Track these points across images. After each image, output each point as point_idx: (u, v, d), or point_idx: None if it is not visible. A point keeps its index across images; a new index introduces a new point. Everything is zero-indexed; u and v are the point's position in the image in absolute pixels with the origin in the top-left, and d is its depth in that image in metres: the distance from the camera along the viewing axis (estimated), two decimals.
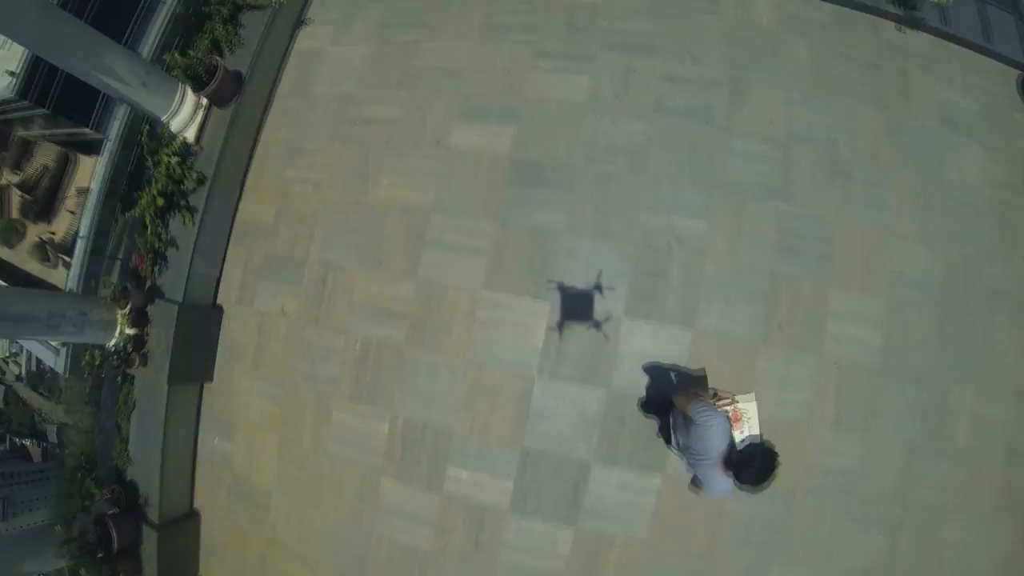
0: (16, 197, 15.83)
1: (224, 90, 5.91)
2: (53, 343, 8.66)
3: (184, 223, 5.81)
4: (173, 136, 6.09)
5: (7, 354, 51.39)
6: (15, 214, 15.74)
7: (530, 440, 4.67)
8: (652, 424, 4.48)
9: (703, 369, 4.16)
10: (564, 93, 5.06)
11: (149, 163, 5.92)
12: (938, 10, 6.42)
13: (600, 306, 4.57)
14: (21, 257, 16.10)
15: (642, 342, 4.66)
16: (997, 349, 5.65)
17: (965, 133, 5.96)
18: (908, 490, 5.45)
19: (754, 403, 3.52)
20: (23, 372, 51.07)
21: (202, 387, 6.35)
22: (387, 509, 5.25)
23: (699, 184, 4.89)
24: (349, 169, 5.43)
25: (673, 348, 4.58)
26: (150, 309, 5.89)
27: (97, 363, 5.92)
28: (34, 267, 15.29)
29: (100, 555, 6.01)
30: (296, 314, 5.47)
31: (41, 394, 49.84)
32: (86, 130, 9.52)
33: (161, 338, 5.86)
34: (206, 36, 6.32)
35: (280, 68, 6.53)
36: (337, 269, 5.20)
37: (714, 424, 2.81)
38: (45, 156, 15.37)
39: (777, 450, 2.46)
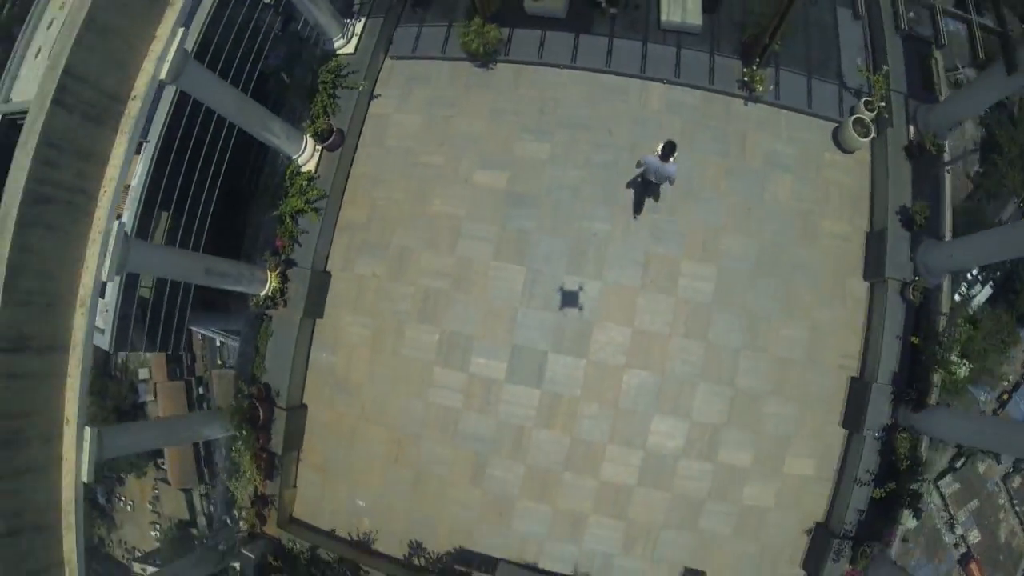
0: None
1: (335, 143, 11.86)
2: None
3: (311, 220, 11.77)
4: (299, 168, 12.05)
5: None
6: None
7: (516, 339, 10.68)
8: (584, 326, 10.36)
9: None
10: (536, 154, 11.08)
11: (287, 182, 11.87)
12: (773, 86, 12.33)
13: (551, 270, 10.56)
14: None
15: (573, 287, 10.62)
16: (797, 297, 11.58)
17: (783, 169, 11.92)
18: (736, 378, 11.40)
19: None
20: None
21: (314, 323, 12.33)
22: (437, 385, 11.28)
23: (608, 204, 10.89)
24: (414, 193, 11.46)
25: (591, 291, 10.56)
26: (289, 272, 11.87)
27: (260, 303, 11.86)
28: None
29: (251, 425, 11.99)
30: (383, 276, 11.45)
31: None
32: None
33: (297, 290, 11.87)
34: (318, 103, 12.25)
35: (363, 126, 12.51)
36: (409, 250, 11.24)
37: (647, 165, 8.80)
38: None
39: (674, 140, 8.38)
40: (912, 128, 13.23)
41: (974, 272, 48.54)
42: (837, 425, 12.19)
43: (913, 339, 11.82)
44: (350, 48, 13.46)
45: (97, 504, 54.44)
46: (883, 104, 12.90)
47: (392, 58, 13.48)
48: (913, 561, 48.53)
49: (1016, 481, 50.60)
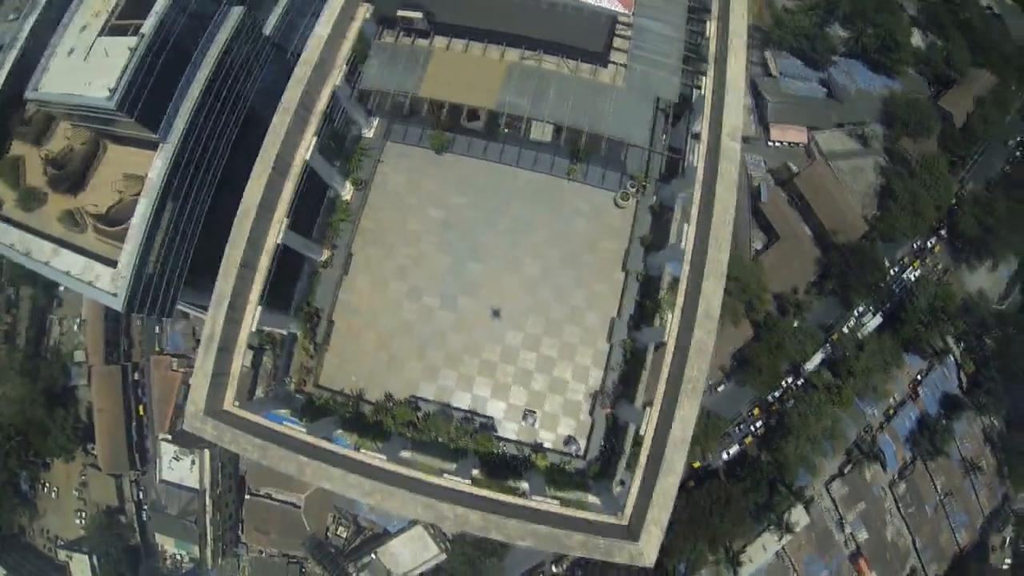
0: (38, 168, 43.19)
1: (360, 187, 33.63)
2: (109, 291, 35.75)
3: (347, 223, 33.42)
4: (342, 198, 33.78)
5: None
6: (33, 183, 43.28)
7: (443, 289, 34.70)
8: (475, 285, 32.41)
9: None
10: (459, 202, 34.74)
11: (336, 206, 33.43)
12: (584, 173, 34.93)
13: (461, 258, 32.88)
14: (42, 220, 44.43)
15: (472, 267, 32.93)
16: (584, 278, 35.02)
17: (582, 216, 35.68)
18: (549, 313, 34.36)
19: None
20: None
21: (343, 277, 34.00)
22: (404, 310, 35.03)
23: (490, 229, 34.71)
24: (399, 217, 35.17)
25: (479, 269, 33.07)
26: (334, 251, 33.45)
27: (320, 265, 33.11)
28: (55, 229, 43.00)
29: (309, 325, 33.32)
30: (380, 256, 33.91)
31: None
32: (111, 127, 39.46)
33: (337, 259, 33.73)
34: (353, 164, 34.07)
35: (373, 178, 34.55)
36: (394, 245, 35.85)
37: None
38: (75, 138, 42.86)
39: None
40: (655, 198, 35.88)
41: (864, 306, 73.09)
42: (605, 340, 34.36)
43: (638, 299, 34.04)
44: (370, 134, 35.32)
45: (20, 491, 70.55)
46: (645, 184, 35.62)
47: (391, 142, 35.53)
48: (806, 557, 71.82)
49: (901, 487, 75.15)
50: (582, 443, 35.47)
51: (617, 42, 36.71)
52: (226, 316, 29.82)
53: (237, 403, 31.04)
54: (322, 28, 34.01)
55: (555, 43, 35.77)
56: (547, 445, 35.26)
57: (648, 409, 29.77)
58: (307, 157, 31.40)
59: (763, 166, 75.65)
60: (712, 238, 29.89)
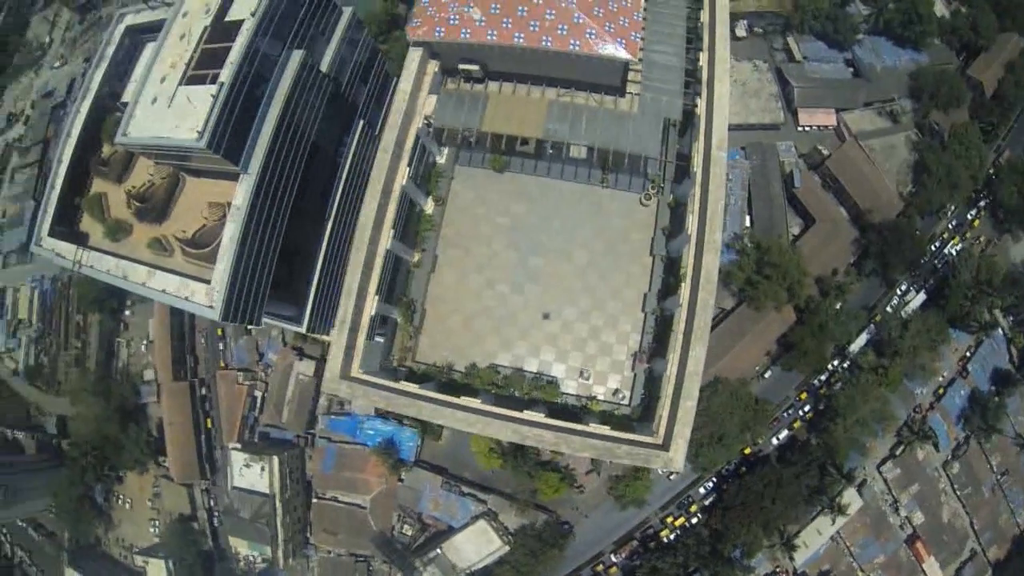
0: (121, 202, 66.65)
1: (439, 202, 54.51)
2: (206, 304, 56.49)
3: (431, 232, 54.23)
4: (426, 211, 54.74)
5: (2, 349, 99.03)
6: (118, 215, 65.82)
7: (513, 278, 57.94)
8: (538, 273, 52.99)
9: None
10: (520, 210, 55.66)
11: (419, 218, 54.25)
12: (614, 181, 55.30)
13: (525, 255, 53.79)
14: (129, 248, 66.88)
15: (534, 261, 53.87)
16: (621, 263, 56.12)
17: (617, 215, 57.40)
18: (595, 293, 54.71)
19: None
20: (20, 367, 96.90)
21: (431, 273, 55.01)
22: (483, 297, 57.49)
23: (546, 231, 57.42)
24: (472, 225, 58.13)
25: (540, 261, 53.98)
26: (423, 253, 54.19)
27: (413, 266, 53.75)
28: (144, 255, 65.06)
29: (408, 312, 54.19)
30: (460, 257, 55.08)
31: (38, 388, 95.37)
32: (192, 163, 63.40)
33: (425, 260, 54.58)
34: (432, 183, 55.04)
35: (449, 194, 55.68)
36: (471, 248, 58.43)
37: None
38: (156, 173, 65.18)
39: None
40: (672, 196, 56.12)
41: (906, 284, 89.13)
42: (639, 310, 55.14)
43: (663, 276, 54.13)
44: (443, 160, 56.30)
45: (95, 504, 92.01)
46: (663, 186, 56.23)
47: (459, 165, 56.63)
48: (861, 540, 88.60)
49: (955, 467, 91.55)
50: (627, 393, 55.31)
51: (631, 75, 57.60)
52: (354, 304, 49.92)
53: (362, 370, 51.05)
54: (404, 83, 55.79)
55: (583, 82, 58.46)
56: (599, 397, 55.76)
57: (671, 355, 48.88)
58: (403, 183, 51.79)
59: (794, 152, 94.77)
60: (708, 223, 49.82)
